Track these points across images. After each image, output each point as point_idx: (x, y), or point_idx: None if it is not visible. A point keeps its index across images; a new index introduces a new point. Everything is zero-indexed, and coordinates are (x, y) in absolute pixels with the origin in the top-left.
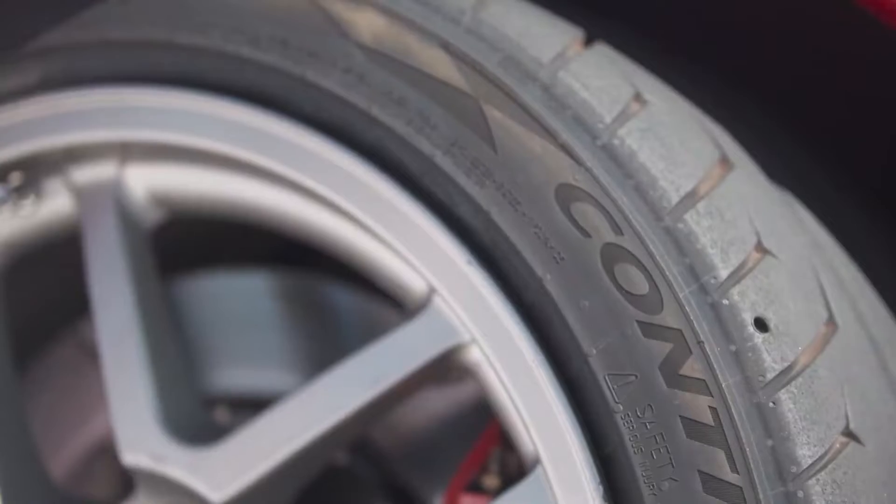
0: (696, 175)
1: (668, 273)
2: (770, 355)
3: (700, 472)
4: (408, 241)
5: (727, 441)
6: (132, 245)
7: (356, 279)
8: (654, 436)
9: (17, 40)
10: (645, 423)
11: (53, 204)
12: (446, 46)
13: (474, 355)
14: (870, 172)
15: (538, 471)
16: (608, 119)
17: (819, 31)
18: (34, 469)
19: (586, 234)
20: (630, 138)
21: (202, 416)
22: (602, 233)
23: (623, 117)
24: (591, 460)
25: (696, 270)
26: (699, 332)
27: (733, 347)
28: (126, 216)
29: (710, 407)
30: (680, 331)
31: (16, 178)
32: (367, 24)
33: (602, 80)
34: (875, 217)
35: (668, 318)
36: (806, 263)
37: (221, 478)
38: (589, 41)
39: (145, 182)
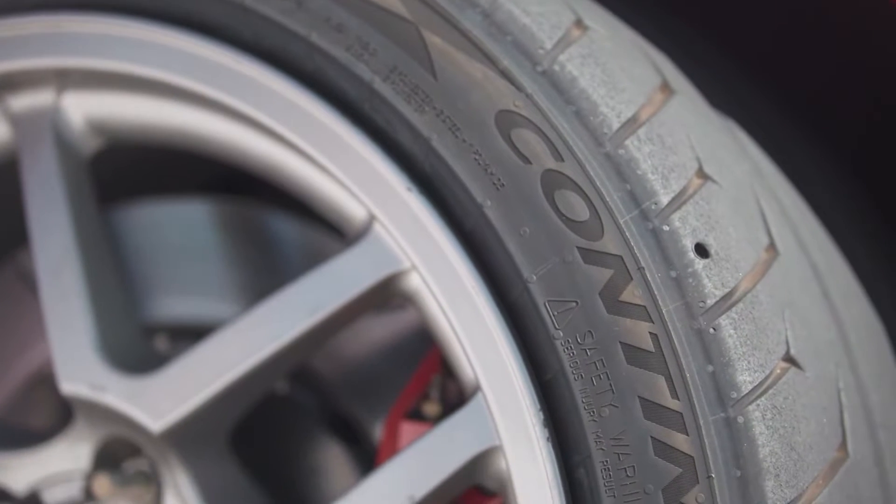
0: (637, 101)
1: (608, 199)
2: (711, 281)
3: (640, 398)
4: (347, 168)
5: (667, 367)
6: (70, 173)
7: (298, 208)
8: (595, 362)
9: None
10: (585, 350)
11: None
12: None
13: (414, 282)
14: (812, 99)
15: (478, 398)
16: (549, 45)
17: None
18: None
19: (527, 161)
20: (571, 64)
21: (142, 344)
22: (542, 159)
23: (564, 43)
24: (531, 387)
25: (636, 196)
26: (640, 258)
27: (674, 273)
28: (64, 144)
29: (650, 333)
30: (620, 257)
31: None
32: None
33: (542, 5)
34: (816, 143)
35: (609, 244)
36: (747, 190)
37: (161, 406)
38: None
39: (83, 110)
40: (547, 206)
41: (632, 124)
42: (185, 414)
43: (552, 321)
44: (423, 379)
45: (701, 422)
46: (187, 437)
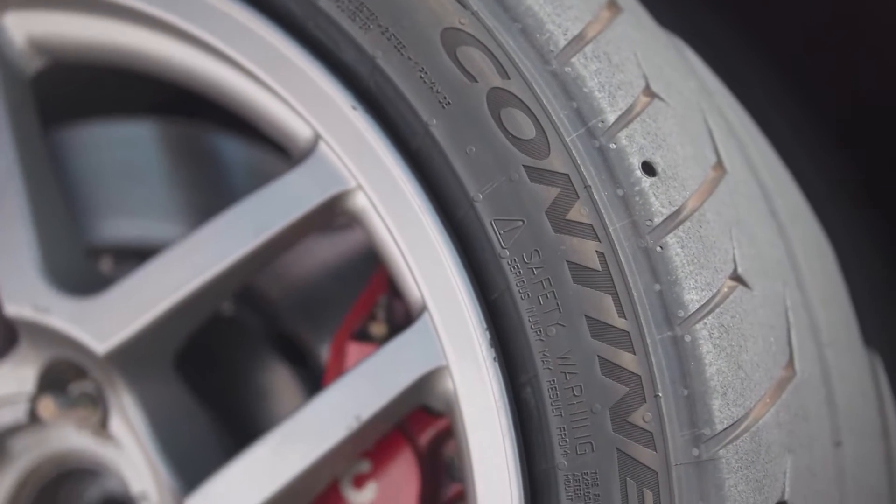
0: (584, 18)
1: (554, 117)
2: (657, 199)
3: (587, 317)
4: (292, 87)
5: (614, 286)
6: (11, 93)
7: (244, 128)
8: (541, 281)
9: None
10: (532, 269)
11: None
12: None
13: (360, 202)
14: (761, 16)
15: (425, 317)
16: None
17: None
18: None
19: (472, 79)
20: None
21: (86, 266)
22: (488, 77)
23: None
24: (477, 306)
25: (583, 114)
26: (586, 176)
27: (620, 192)
28: (4, 63)
29: (597, 252)
30: (567, 175)
31: None
32: None
33: None
34: (765, 62)
35: (555, 162)
36: (694, 108)
37: (105, 328)
38: None
39: (24, 29)
40: (493, 124)
41: (578, 42)
42: (129, 335)
43: (498, 240)
44: (370, 299)
45: (648, 341)
46: (132, 358)
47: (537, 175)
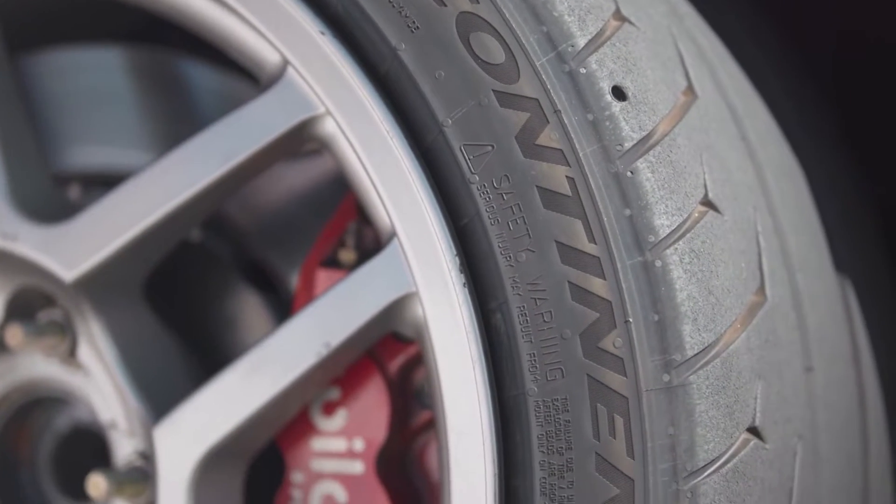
0: None
1: (524, 41)
2: (628, 124)
3: (557, 242)
4: (260, 12)
5: (584, 211)
6: None
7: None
8: (511, 206)
9: None
10: (501, 194)
11: None
12: None
13: (329, 127)
14: None
15: (394, 244)
16: None
17: None
18: None
19: (441, 3)
20: None
21: (54, 193)
22: (457, 0)
23: None
24: (447, 232)
25: (553, 38)
26: (556, 101)
27: (591, 116)
28: None
29: (567, 177)
30: (536, 100)
31: None
32: None
33: None
34: None
35: (525, 87)
36: (665, 32)
37: (73, 255)
38: None
39: None
40: (462, 48)
41: None
42: (97, 263)
43: (468, 165)
44: (339, 226)
45: (618, 266)
46: (100, 286)
47: (507, 100)
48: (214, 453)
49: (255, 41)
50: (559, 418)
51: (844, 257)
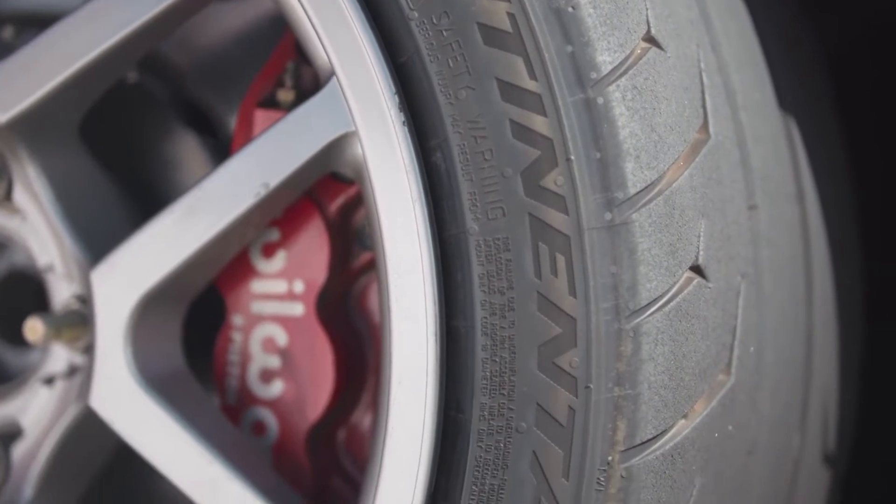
0: None
1: None
2: None
3: (498, 79)
4: None
5: (525, 48)
6: None
7: None
8: (451, 43)
9: None
10: (441, 31)
11: None
12: None
13: None
14: None
15: (333, 83)
16: None
17: None
18: None
19: None
20: None
21: None
22: None
23: None
24: (386, 70)
25: None
26: None
27: None
28: None
29: (507, 13)
30: None
31: None
32: None
33: None
34: None
35: None
36: None
37: (7, 96)
38: None
39: None
40: None
41: None
42: (31, 104)
43: (407, 1)
44: (277, 65)
45: (560, 103)
46: (35, 128)
47: None
48: (152, 296)
49: None
50: (500, 257)
51: (789, 96)
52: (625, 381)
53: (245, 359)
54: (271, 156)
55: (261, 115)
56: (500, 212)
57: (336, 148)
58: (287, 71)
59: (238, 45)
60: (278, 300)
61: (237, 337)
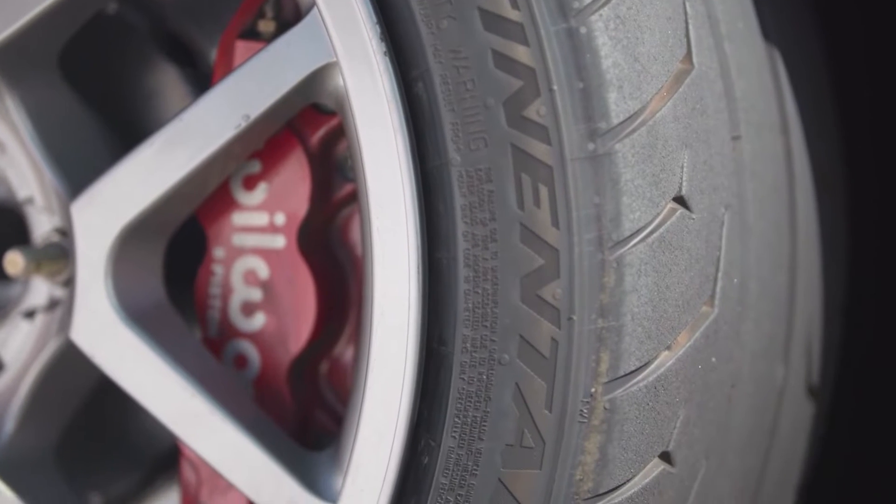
0: None
1: None
2: None
3: (480, 9)
4: None
5: None
6: None
7: None
8: None
9: None
10: None
11: None
12: None
13: None
14: None
15: (314, 13)
16: None
17: None
18: None
19: None
20: None
21: None
22: None
23: None
24: None
25: None
26: None
27: None
28: None
29: None
30: None
31: None
32: None
33: None
34: None
35: None
36: None
37: None
38: None
39: None
40: None
41: None
42: (9, 35)
43: None
44: None
45: (542, 33)
46: (14, 59)
47: None
48: (132, 229)
49: None
50: (482, 188)
51: (773, 26)
52: (608, 313)
53: (226, 292)
54: (252, 87)
55: (242, 47)
56: (482, 142)
57: (317, 79)
58: (268, 1)
59: None
60: (259, 232)
61: (218, 270)
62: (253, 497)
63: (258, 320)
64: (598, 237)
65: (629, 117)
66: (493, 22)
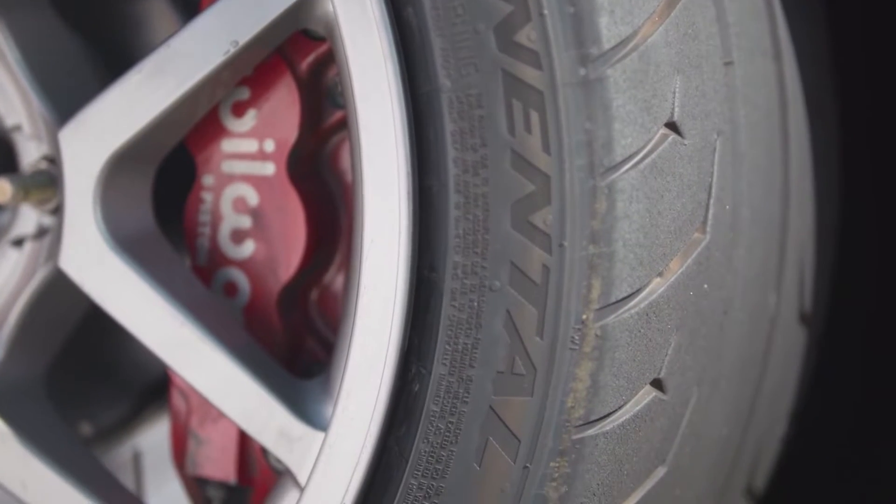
0: None
1: None
2: None
3: None
4: None
5: None
6: None
7: None
8: None
9: None
10: None
11: None
12: None
13: None
14: None
15: None
16: None
17: None
18: None
19: None
20: None
21: None
22: None
23: None
24: None
25: None
26: None
27: None
28: None
29: None
30: None
31: None
32: None
33: None
34: None
35: None
36: None
37: None
38: None
39: None
40: None
41: None
42: None
43: None
44: None
45: None
46: None
47: None
48: (121, 156)
49: None
50: (473, 114)
51: None
52: (599, 239)
53: (216, 219)
54: (241, 13)
55: None
56: (472, 68)
57: (306, 4)
58: None
59: None
60: (249, 159)
61: (208, 197)
62: (243, 425)
63: (248, 248)
64: (589, 163)
65: (620, 42)
66: None
